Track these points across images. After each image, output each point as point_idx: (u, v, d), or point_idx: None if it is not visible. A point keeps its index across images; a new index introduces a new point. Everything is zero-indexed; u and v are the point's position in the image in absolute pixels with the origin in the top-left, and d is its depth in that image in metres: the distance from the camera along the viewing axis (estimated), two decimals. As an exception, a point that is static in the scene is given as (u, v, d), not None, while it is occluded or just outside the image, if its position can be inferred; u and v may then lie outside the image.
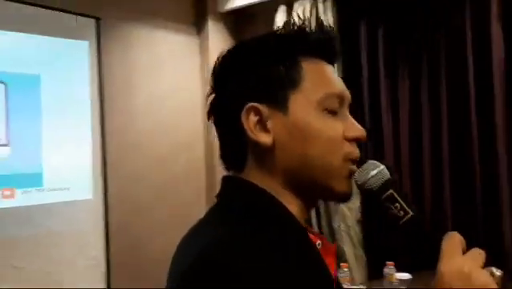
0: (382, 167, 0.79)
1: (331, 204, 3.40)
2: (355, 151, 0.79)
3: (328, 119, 0.78)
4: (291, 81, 0.77)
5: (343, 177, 0.78)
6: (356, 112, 3.39)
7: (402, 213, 0.77)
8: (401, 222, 0.76)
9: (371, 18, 3.50)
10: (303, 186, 0.78)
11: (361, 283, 2.95)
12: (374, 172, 0.78)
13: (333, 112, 0.79)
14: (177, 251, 0.77)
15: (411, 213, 0.76)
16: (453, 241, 0.74)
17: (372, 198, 0.78)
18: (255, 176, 0.78)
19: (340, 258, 3.35)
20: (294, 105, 0.77)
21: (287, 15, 3.59)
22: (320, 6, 3.52)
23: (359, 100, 3.52)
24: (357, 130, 0.80)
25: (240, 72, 0.79)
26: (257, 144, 0.77)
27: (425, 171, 3.27)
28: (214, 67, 0.83)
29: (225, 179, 0.82)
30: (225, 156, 0.83)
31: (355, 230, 3.43)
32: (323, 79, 0.79)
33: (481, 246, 0.75)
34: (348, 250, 3.41)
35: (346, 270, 2.75)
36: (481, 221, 2.96)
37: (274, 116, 0.77)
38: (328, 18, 3.48)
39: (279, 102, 0.77)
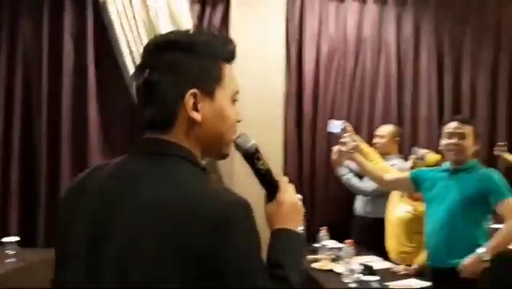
0: (253, 139, 1.14)
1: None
2: (236, 129, 1.11)
3: (233, 107, 1.08)
4: (218, 78, 1.05)
5: (230, 145, 1.11)
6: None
7: (265, 165, 1.14)
8: (264, 171, 1.14)
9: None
10: (208, 150, 1.07)
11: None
12: (253, 141, 1.13)
13: (233, 102, 1.09)
14: (146, 191, 0.95)
15: (268, 166, 1.15)
16: (285, 180, 1.16)
17: (249, 157, 1.13)
18: (181, 139, 1.02)
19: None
20: (218, 96, 1.04)
21: None
22: None
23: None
24: (239, 115, 1.11)
25: (187, 62, 1.02)
26: (189, 119, 1.02)
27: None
28: (154, 48, 1.04)
29: (157, 140, 1.03)
30: (155, 120, 1.03)
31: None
32: (232, 79, 1.08)
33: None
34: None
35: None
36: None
37: (205, 101, 1.02)
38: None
39: (211, 92, 1.03)
